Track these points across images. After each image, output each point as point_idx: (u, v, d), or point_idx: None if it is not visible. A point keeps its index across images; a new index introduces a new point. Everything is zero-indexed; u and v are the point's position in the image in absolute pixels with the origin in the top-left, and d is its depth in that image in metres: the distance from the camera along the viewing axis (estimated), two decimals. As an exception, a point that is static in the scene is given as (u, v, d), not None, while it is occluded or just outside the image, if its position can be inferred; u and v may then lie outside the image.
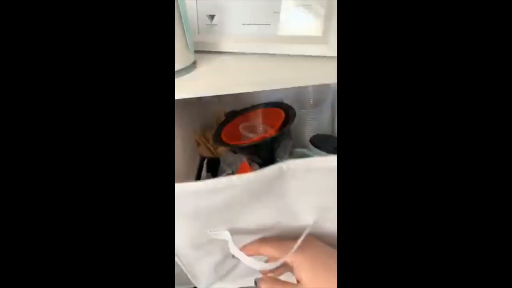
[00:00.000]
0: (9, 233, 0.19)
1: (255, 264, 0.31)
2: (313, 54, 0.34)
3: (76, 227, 0.20)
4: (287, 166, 0.27)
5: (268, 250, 0.33)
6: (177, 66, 0.33)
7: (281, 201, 0.31)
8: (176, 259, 0.38)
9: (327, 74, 0.30)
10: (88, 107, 0.20)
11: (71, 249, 0.20)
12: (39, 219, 0.19)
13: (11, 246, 0.19)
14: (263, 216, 0.32)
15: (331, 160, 0.27)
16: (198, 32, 0.41)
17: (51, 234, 0.19)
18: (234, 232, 0.32)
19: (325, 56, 0.33)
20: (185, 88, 0.31)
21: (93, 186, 0.20)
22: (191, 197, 0.28)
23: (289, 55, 0.35)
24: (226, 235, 0.32)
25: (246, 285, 0.45)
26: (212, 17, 0.40)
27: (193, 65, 0.36)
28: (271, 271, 0.35)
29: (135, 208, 0.20)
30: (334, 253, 0.31)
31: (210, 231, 0.32)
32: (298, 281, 0.31)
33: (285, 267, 0.34)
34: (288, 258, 0.30)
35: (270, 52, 0.36)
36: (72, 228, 0.20)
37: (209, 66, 0.37)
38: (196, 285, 0.45)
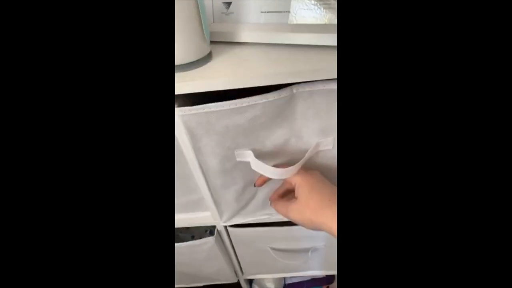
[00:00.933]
0: (8, 231, 0.19)
1: (271, 171, 0.37)
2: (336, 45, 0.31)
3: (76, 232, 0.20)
4: (297, 89, 0.34)
5: None
6: (192, 57, 0.32)
7: (291, 124, 0.38)
8: (206, 188, 0.45)
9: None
10: (88, 93, 0.20)
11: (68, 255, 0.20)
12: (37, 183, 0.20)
13: (10, 243, 0.19)
14: (278, 138, 0.39)
15: (332, 83, 0.32)
16: (213, 21, 0.39)
17: (47, 207, 0.20)
18: (254, 154, 0.39)
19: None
20: (199, 82, 0.30)
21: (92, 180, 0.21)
22: (222, 115, 0.34)
23: (311, 46, 0.33)
24: (249, 154, 0.39)
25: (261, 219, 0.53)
26: (228, 4, 0.38)
27: (208, 57, 0.34)
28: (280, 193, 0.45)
29: (137, 205, 0.21)
30: (329, 185, 0.39)
31: (236, 151, 0.39)
32: (296, 198, 0.39)
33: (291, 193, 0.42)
34: (293, 178, 0.39)
35: (290, 43, 0.34)
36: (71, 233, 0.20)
37: (225, 57, 0.35)
38: (220, 218, 0.51)
